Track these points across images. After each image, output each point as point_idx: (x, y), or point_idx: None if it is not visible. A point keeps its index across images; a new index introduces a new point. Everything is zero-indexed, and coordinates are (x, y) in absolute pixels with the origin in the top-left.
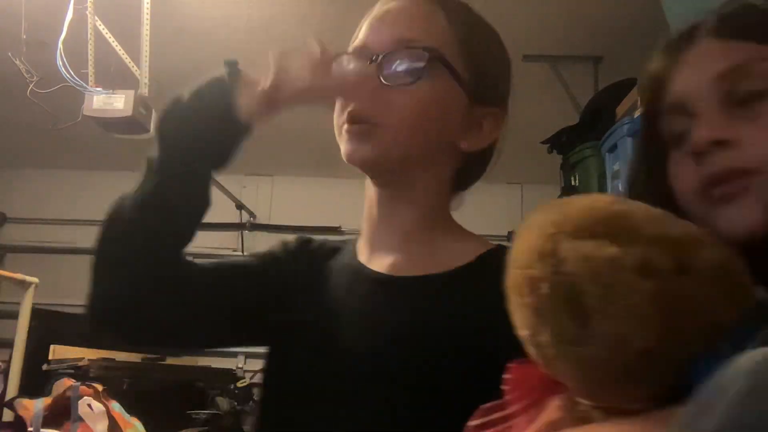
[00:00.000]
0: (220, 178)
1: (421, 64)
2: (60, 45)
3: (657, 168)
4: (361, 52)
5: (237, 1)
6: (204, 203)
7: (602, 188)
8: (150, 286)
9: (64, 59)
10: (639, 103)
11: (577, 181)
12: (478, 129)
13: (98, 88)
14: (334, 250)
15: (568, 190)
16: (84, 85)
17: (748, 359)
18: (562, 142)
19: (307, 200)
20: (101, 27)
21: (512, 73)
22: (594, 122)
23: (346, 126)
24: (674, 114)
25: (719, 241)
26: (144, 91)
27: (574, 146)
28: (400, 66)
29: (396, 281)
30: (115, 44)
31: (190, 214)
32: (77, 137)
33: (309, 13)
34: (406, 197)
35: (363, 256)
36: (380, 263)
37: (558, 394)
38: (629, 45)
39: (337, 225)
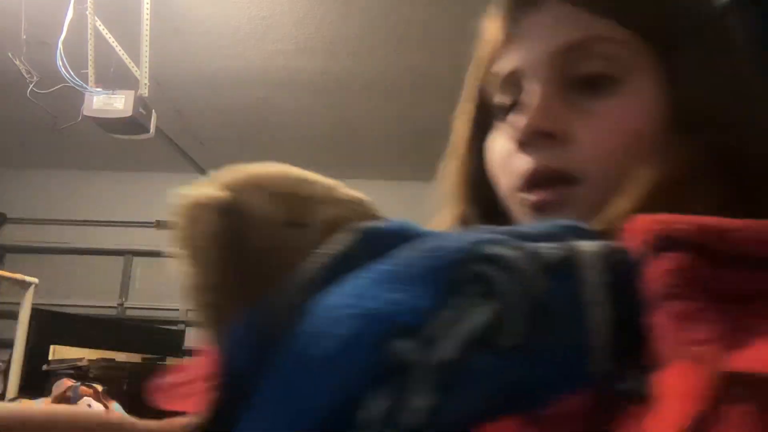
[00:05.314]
0: None
1: None
2: (60, 45)
3: (477, 142)
4: None
5: (237, 1)
6: None
7: None
8: None
9: (64, 59)
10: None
11: None
12: None
13: (98, 88)
14: None
15: None
16: (84, 85)
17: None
18: None
19: None
20: (101, 27)
21: None
22: None
23: None
24: (506, 86)
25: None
26: (144, 91)
27: None
28: None
29: None
30: (115, 44)
31: None
32: (77, 137)
33: (309, 13)
34: None
35: None
36: None
37: None
38: None
39: None
